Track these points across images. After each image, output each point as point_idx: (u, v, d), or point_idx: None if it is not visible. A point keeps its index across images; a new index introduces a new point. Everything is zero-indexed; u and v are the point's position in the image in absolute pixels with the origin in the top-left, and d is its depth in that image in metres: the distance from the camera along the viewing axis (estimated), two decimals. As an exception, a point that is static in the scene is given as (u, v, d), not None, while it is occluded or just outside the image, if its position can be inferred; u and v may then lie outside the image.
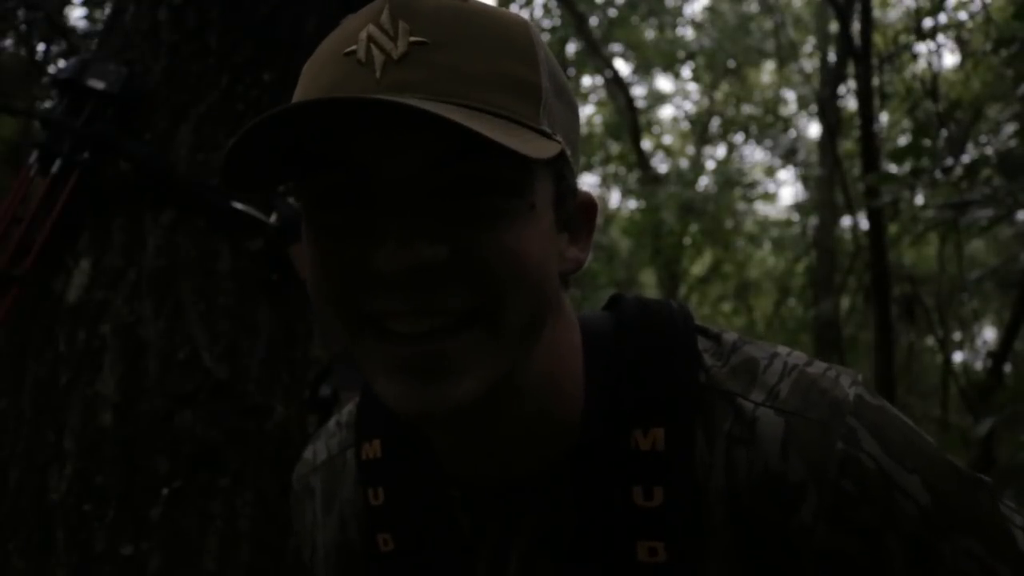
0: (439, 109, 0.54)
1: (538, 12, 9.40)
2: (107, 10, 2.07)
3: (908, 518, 0.64)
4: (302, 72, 0.66)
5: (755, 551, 0.66)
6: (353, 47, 0.61)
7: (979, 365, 8.49)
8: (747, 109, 11.88)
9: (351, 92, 0.59)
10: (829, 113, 7.93)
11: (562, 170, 0.65)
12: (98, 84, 1.68)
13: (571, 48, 9.70)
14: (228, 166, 0.62)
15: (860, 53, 5.46)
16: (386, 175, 0.59)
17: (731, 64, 11.05)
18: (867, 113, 5.44)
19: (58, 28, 4.29)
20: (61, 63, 4.36)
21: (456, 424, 0.68)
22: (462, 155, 0.58)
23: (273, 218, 1.72)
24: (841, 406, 0.65)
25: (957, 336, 9.04)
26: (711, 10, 11.18)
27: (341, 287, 0.61)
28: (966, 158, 3.74)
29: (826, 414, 0.65)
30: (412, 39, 0.59)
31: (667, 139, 12.91)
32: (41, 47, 4.45)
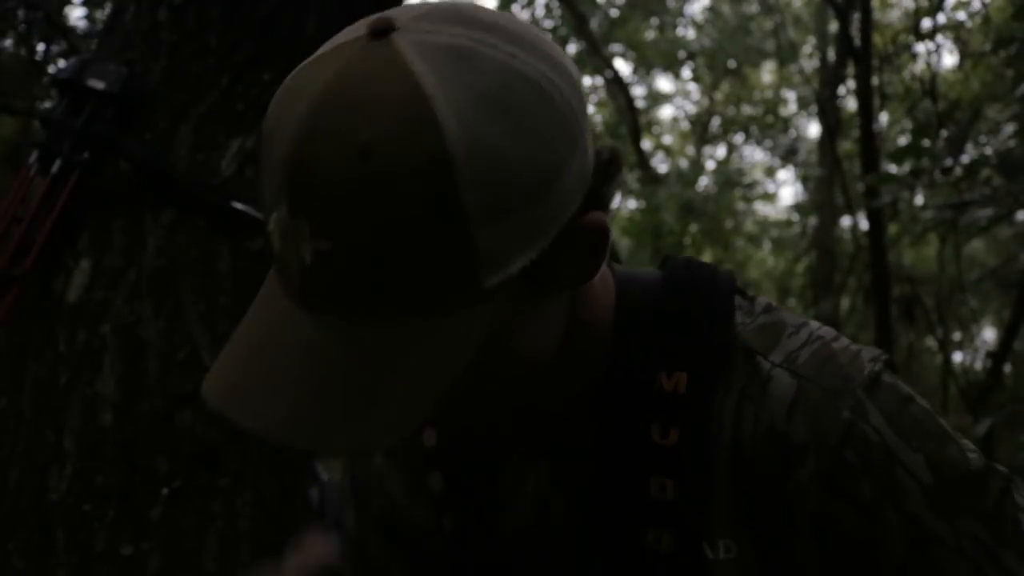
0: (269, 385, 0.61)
1: (539, 12, 9.41)
2: (107, 10, 2.07)
3: (909, 496, 0.65)
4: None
5: (751, 508, 0.68)
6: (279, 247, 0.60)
7: (979, 365, 8.50)
8: (747, 109, 11.88)
9: (289, 291, 0.61)
10: (829, 113, 7.93)
11: (524, 273, 0.58)
12: (98, 84, 1.68)
13: (572, 48, 9.70)
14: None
15: (860, 53, 5.46)
16: None
17: (731, 64, 11.05)
18: (867, 113, 5.45)
19: (58, 28, 4.29)
20: (61, 63, 4.36)
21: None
22: None
23: (273, 218, 1.72)
24: (854, 379, 0.67)
25: (957, 336, 9.04)
26: (711, 10, 11.18)
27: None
28: (966, 158, 3.74)
29: (838, 384, 0.66)
30: (315, 246, 0.55)
31: (667, 139, 12.92)
32: (41, 47, 4.45)
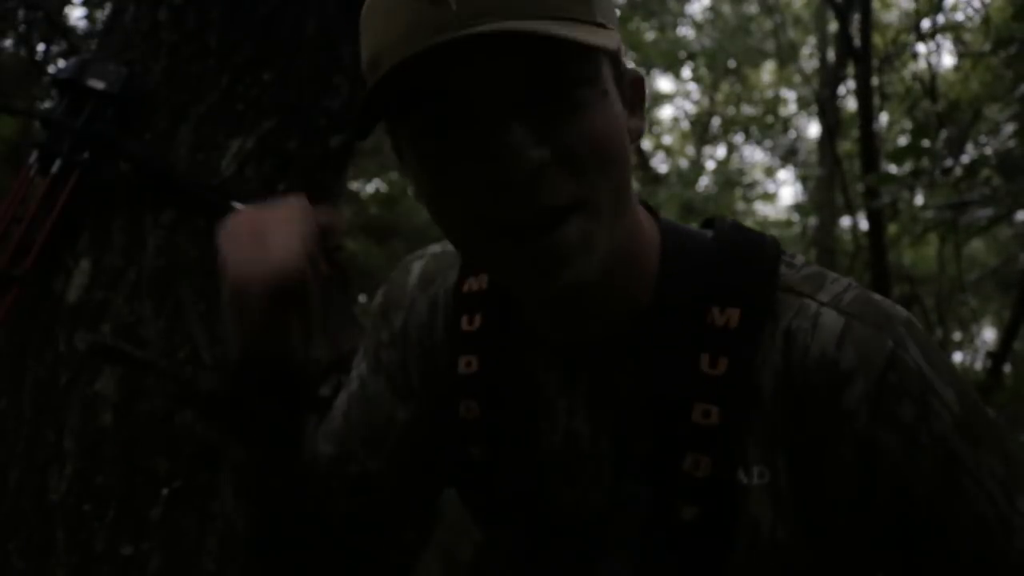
0: (522, 26, 0.62)
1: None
2: (107, 10, 2.07)
3: (941, 421, 0.71)
4: (364, 19, 0.71)
5: (794, 434, 0.73)
6: None
7: (979, 365, 8.49)
8: (747, 109, 11.88)
9: (433, 31, 0.64)
10: (829, 113, 7.93)
11: (616, 54, 0.72)
12: (98, 84, 1.68)
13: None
14: (364, 120, 0.69)
15: (860, 53, 5.46)
16: (484, 97, 0.66)
17: (731, 64, 11.05)
18: (867, 113, 5.45)
19: (58, 28, 4.29)
20: (61, 63, 4.36)
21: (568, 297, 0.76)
22: (546, 62, 0.65)
23: (273, 218, 1.72)
24: (896, 318, 0.74)
25: (957, 336, 9.03)
26: (711, 10, 11.18)
27: (467, 204, 0.68)
28: (965, 158, 3.74)
29: (882, 320, 0.73)
30: None
31: (667, 139, 12.91)
32: (41, 47, 4.45)
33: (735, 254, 0.78)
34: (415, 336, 0.91)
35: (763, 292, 0.76)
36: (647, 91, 0.79)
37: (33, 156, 1.71)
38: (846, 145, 8.64)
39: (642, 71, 0.79)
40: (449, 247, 0.90)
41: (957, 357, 8.49)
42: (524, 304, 0.81)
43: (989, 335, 10.22)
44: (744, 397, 0.74)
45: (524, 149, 0.65)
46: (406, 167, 0.75)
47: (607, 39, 0.67)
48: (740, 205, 11.61)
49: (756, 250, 0.79)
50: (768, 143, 11.67)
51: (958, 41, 6.23)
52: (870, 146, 5.40)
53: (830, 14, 7.71)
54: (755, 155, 12.47)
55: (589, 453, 0.78)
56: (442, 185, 0.69)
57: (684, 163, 12.18)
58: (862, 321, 0.73)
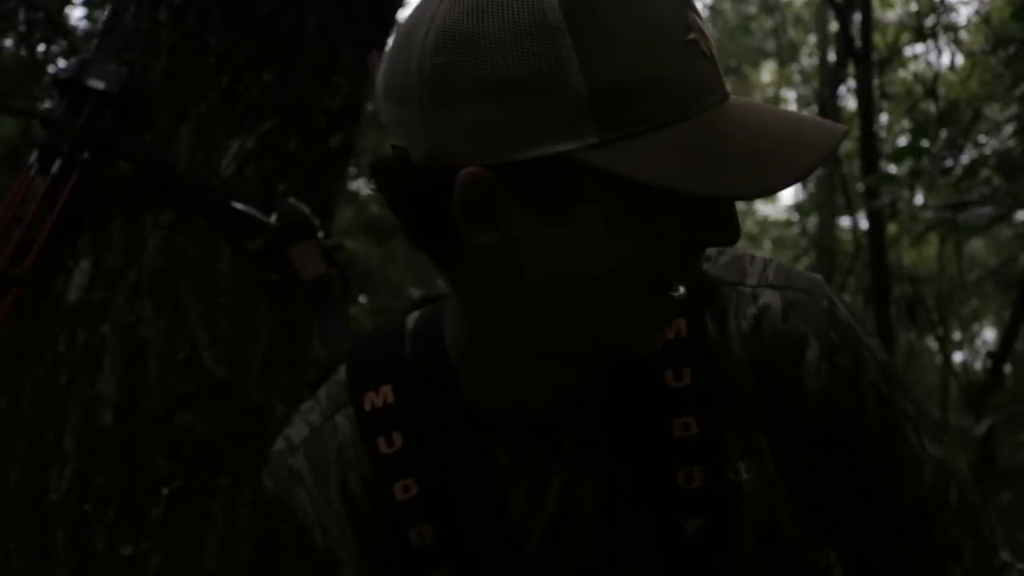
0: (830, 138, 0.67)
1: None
2: (107, 10, 2.07)
3: (872, 368, 0.76)
4: (587, 34, 0.60)
5: (772, 414, 0.75)
6: (692, 36, 0.64)
7: (979, 365, 8.50)
8: (747, 109, 11.85)
9: (716, 90, 0.65)
10: (829, 113, 7.92)
11: None
12: (98, 84, 1.68)
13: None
14: None
15: (860, 53, 5.46)
16: None
17: (732, 64, 11.05)
18: (867, 113, 5.45)
19: (58, 28, 4.30)
20: (61, 63, 4.36)
21: None
22: None
23: (273, 218, 1.72)
24: (817, 280, 0.78)
25: (957, 336, 9.04)
26: (712, 9, 11.18)
27: (667, 267, 0.68)
28: (965, 158, 3.74)
29: (809, 284, 0.77)
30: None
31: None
32: (41, 47, 4.45)
33: None
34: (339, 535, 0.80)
35: (695, 296, 0.75)
36: None
37: (33, 156, 1.71)
38: (846, 145, 8.64)
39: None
40: (311, 414, 0.81)
41: (957, 357, 8.50)
42: (484, 389, 0.75)
43: (989, 335, 10.23)
44: (716, 399, 0.75)
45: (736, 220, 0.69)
46: (524, 236, 0.65)
47: None
48: (740, 205, 11.59)
49: None
50: (768, 143, 11.65)
51: (957, 41, 6.23)
52: (870, 146, 5.40)
53: (830, 14, 7.72)
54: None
55: (583, 511, 0.75)
56: (656, 248, 0.66)
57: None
58: (795, 290, 0.77)
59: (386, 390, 0.78)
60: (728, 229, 0.69)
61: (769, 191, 0.64)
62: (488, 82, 0.61)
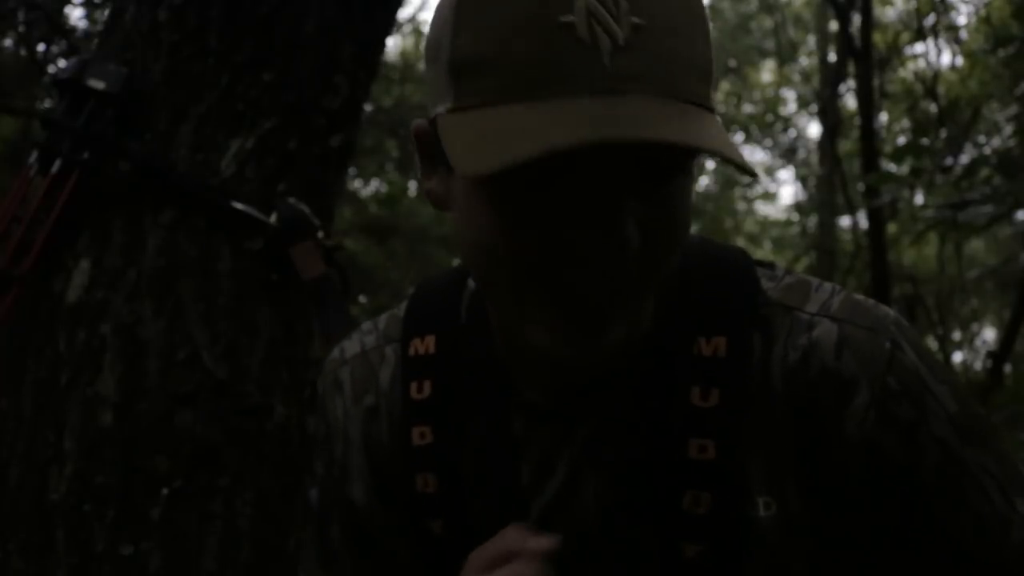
0: (670, 117, 0.58)
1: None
2: (107, 10, 2.07)
3: (939, 419, 0.70)
4: (465, 14, 0.61)
5: (804, 455, 0.71)
6: (570, 18, 0.58)
7: (979, 365, 8.50)
8: (747, 108, 11.88)
9: (580, 79, 0.58)
10: (829, 113, 7.93)
11: None
12: (98, 84, 1.68)
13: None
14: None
15: (860, 52, 5.46)
16: (604, 167, 0.60)
17: (731, 63, 11.05)
18: (867, 113, 5.45)
19: (58, 28, 4.30)
20: (61, 63, 4.36)
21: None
22: (679, 154, 0.61)
23: (273, 218, 1.72)
24: (886, 318, 0.72)
25: (957, 336, 9.04)
26: (711, 9, 11.18)
27: (538, 265, 0.63)
28: (965, 158, 3.74)
29: (874, 322, 0.72)
30: (633, 20, 0.59)
31: (667, 139, 12.88)
32: (41, 47, 4.45)
33: (710, 277, 0.75)
34: (358, 455, 0.84)
35: (746, 315, 0.73)
36: None
37: (33, 156, 1.71)
38: (846, 145, 8.64)
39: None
40: (368, 336, 0.85)
41: (957, 357, 8.49)
42: (512, 364, 0.76)
43: (989, 335, 10.23)
44: (741, 427, 0.71)
45: (631, 232, 0.61)
46: (436, 181, 0.69)
47: (727, 139, 0.62)
48: (740, 205, 11.62)
49: (730, 268, 0.76)
50: (768, 142, 11.68)
51: (957, 41, 6.23)
52: (870, 145, 5.40)
53: (830, 13, 7.71)
54: (755, 154, 12.47)
55: (583, 504, 0.75)
56: (517, 240, 0.63)
57: (684, 163, 12.14)
58: (855, 326, 0.71)
59: (430, 340, 0.80)
60: (601, 231, 0.61)
61: (480, 171, 0.58)
62: (428, 46, 0.66)
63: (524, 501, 0.76)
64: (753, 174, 0.61)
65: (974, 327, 8.99)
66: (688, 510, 0.71)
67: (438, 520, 0.78)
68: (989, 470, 0.71)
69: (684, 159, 0.63)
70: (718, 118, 0.64)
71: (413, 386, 0.80)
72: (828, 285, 0.75)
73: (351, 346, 0.86)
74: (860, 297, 0.75)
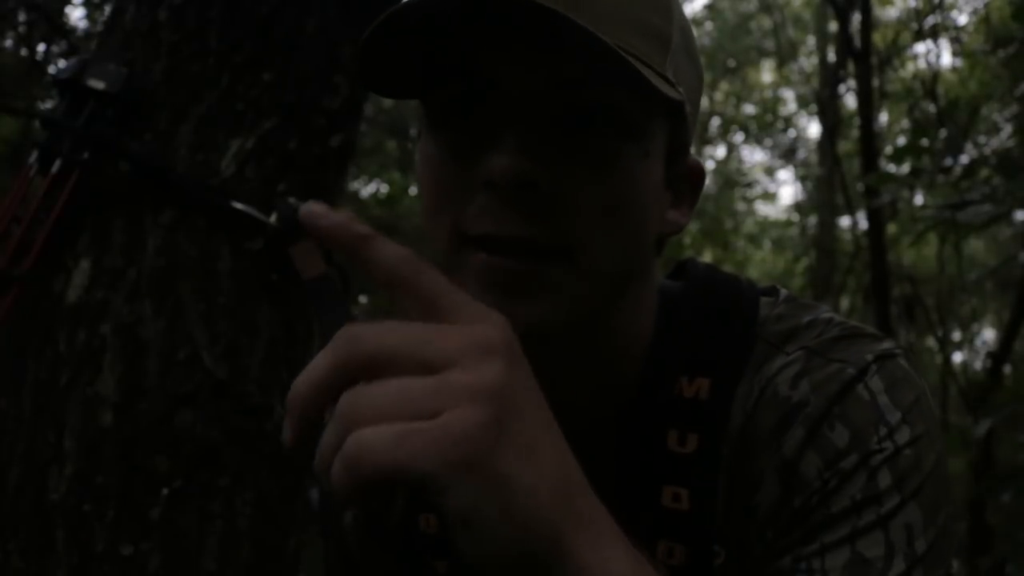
0: (587, 27, 0.53)
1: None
2: (107, 10, 2.07)
3: (878, 454, 0.62)
4: None
5: (752, 485, 0.65)
6: None
7: (979, 365, 8.50)
8: (747, 108, 11.88)
9: None
10: (829, 113, 7.93)
11: (678, 125, 0.64)
12: (98, 84, 1.68)
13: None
14: (365, 58, 0.61)
15: (860, 53, 5.46)
16: (510, 87, 0.58)
17: (731, 63, 11.05)
18: (867, 113, 5.45)
19: (58, 28, 4.30)
20: (61, 63, 4.36)
21: (534, 352, 0.69)
22: (588, 81, 0.57)
23: (273, 218, 1.72)
24: (868, 350, 0.65)
25: (957, 336, 9.04)
26: (711, 9, 11.18)
27: (450, 198, 0.60)
28: (964, 158, 3.74)
29: (850, 354, 0.65)
30: None
31: (667, 139, 12.88)
32: (41, 47, 4.45)
33: (703, 311, 0.70)
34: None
35: (735, 356, 0.67)
36: (703, 184, 0.70)
37: (33, 156, 1.71)
38: (846, 145, 8.65)
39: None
40: None
41: (957, 357, 8.49)
42: None
43: (989, 335, 10.23)
44: (714, 475, 0.66)
45: (539, 169, 0.57)
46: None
47: (670, 91, 0.58)
48: (740, 205, 11.62)
49: (726, 303, 0.70)
50: (768, 142, 11.68)
51: (957, 41, 6.23)
52: (870, 146, 5.40)
53: (830, 13, 7.72)
54: (755, 155, 12.48)
55: None
56: (438, 177, 0.61)
57: (684, 163, 12.14)
58: (825, 359, 0.65)
59: None
60: (507, 159, 0.56)
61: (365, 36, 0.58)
62: None
63: None
64: (680, 102, 0.58)
65: (974, 327, 8.99)
66: (662, 560, 0.67)
67: (443, 560, 0.76)
68: (911, 533, 0.61)
69: (612, 102, 0.58)
70: (659, 79, 0.59)
71: None
72: (824, 318, 0.69)
73: None
74: (858, 332, 0.67)
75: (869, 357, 0.65)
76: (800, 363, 0.65)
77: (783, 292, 0.73)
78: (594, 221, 0.60)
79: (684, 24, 0.65)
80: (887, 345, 0.67)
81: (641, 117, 0.60)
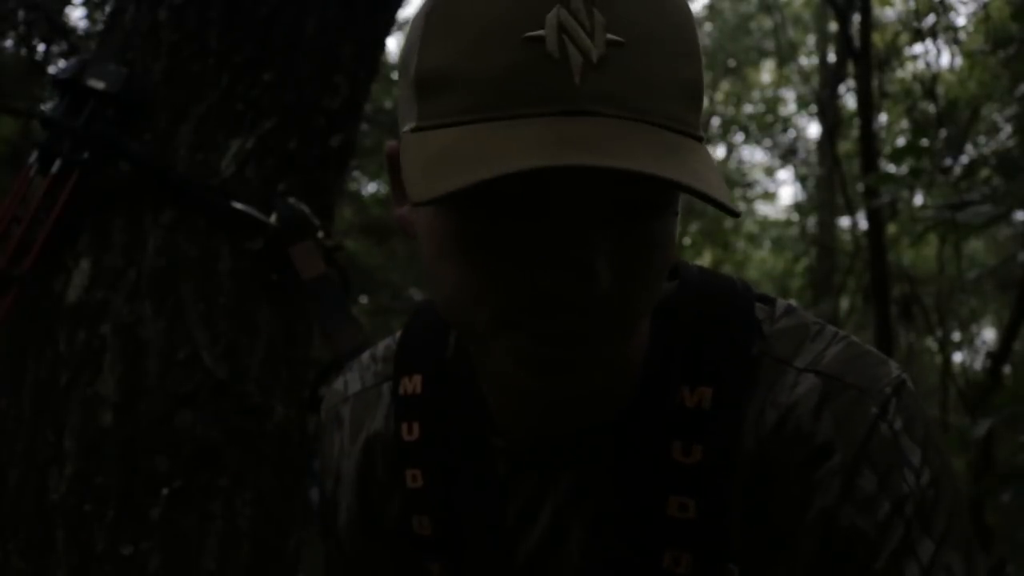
0: (644, 144, 0.52)
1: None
2: (107, 10, 2.07)
3: (906, 500, 0.63)
4: (434, 24, 0.57)
5: (761, 520, 0.66)
6: (540, 32, 0.53)
7: (979, 365, 8.50)
8: (747, 108, 11.89)
9: (548, 97, 0.53)
10: (829, 113, 7.93)
11: None
12: (98, 84, 1.68)
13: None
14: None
15: (860, 53, 5.46)
16: (575, 197, 0.55)
17: (731, 63, 11.05)
18: (867, 113, 5.44)
19: (58, 28, 4.29)
20: (61, 63, 4.36)
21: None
22: (655, 190, 0.56)
23: (273, 218, 1.72)
24: (883, 379, 0.65)
25: (957, 336, 9.04)
26: (711, 9, 11.19)
27: (496, 291, 0.58)
28: (964, 158, 3.75)
29: (867, 382, 0.65)
30: (609, 37, 0.54)
31: (667, 139, 12.89)
32: (41, 47, 4.45)
33: (702, 318, 0.70)
34: (351, 493, 0.83)
35: (737, 365, 0.67)
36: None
37: (33, 156, 1.71)
38: (846, 145, 8.65)
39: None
40: (368, 371, 0.83)
41: (957, 357, 8.50)
42: (494, 405, 0.73)
43: (989, 335, 10.23)
44: (724, 487, 0.66)
45: (601, 270, 0.55)
46: (408, 209, 0.66)
47: (713, 174, 0.56)
48: (740, 205, 11.61)
49: (725, 309, 0.70)
50: (768, 142, 11.68)
51: (956, 41, 6.24)
52: (870, 146, 5.40)
53: (830, 13, 7.72)
54: (755, 154, 12.49)
55: (568, 552, 0.72)
56: (480, 278, 0.58)
57: (684, 163, 12.15)
58: (843, 385, 0.65)
59: (417, 379, 0.78)
60: (569, 272, 0.55)
61: (424, 197, 0.52)
62: (400, 60, 0.63)
63: (510, 545, 0.73)
64: (736, 214, 0.55)
65: (974, 327, 8.99)
66: (668, 569, 0.67)
67: (436, 563, 0.76)
68: (951, 569, 0.62)
69: (661, 195, 0.57)
70: (705, 147, 0.59)
71: (404, 427, 0.78)
72: (829, 331, 0.69)
73: (354, 382, 0.84)
74: (862, 348, 0.68)
75: (888, 390, 0.65)
76: (818, 392, 0.65)
77: (781, 302, 0.72)
78: (645, 300, 0.60)
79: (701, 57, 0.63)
80: (896, 371, 0.67)
81: (677, 194, 0.59)
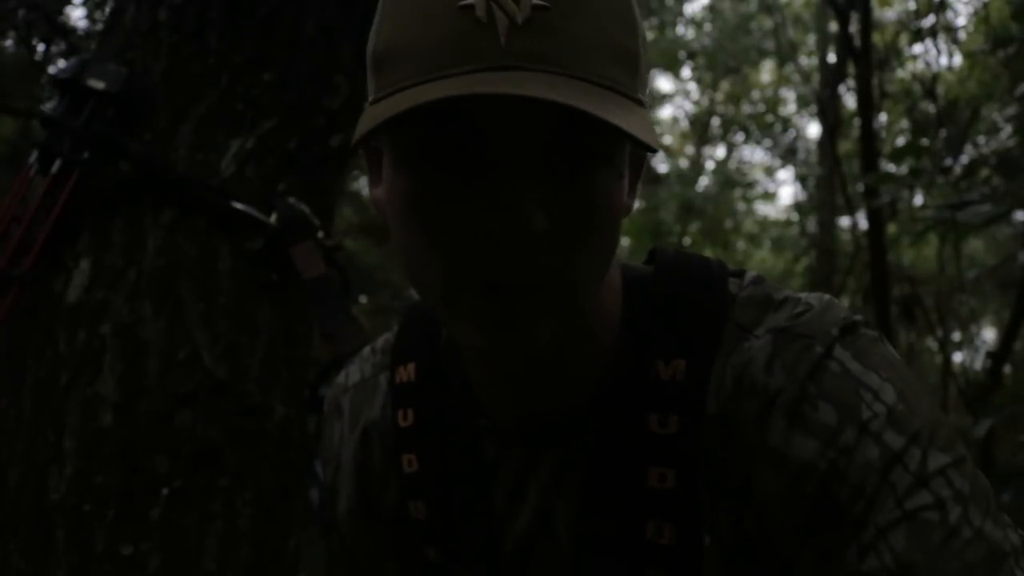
0: (568, 90, 0.55)
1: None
2: (107, 10, 2.07)
3: (875, 418, 0.63)
4: (386, 5, 0.64)
5: (734, 476, 0.67)
6: (471, 1, 0.58)
7: (979, 365, 8.50)
8: (747, 108, 11.89)
9: (475, 56, 0.57)
10: (829, 113, 7.93)
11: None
12: (98, 84, 1.68)
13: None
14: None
15: (860, 53, 5.46)
16: (505, 143, 0.59)
17: (731, 63, 11.06)
18: (867, 113, 5.45)
19: (58, 28, 4.29)
20: (61, 63, 4.36)
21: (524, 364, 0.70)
22: (578, 131, 0.59)
23: (273, 218, 1.72)
24: (833, 324, 0.67)
25: (957, 336, 9.04)
26: (711, 9, 11.19)
27: (441, 242, 0.61)
28: (964, 158, 3.75)
29: (815, 330, 0.67)
30: (534, 2, 0.57)
31: (667, 139, 12.92)
32: (41, 47, 4.45)
33: (675, 294, 0.72)
34: (351, 483, 0.86)
35: (708, 337, 0.69)
36: (646, 166, 0.73)
37: (33, 156, 1.71)
38: (846, 145, 8.65)
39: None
40: (367, 363, 0.86)
41: (957, 357, 8.49)
42: (478, 386, 0.75)
43: (989, 335, 10.23)
44: (700, 455, 0.68)
45: (532, 214, 0.58)
46: (381, 188, 0.69)
47: (650, 131, 0.59)
48: (740, 205, 11.62)
49: (698, 284, 0.72)
50: (768, 142, 11.69)
51: (956, 41, 6.24)
52: (870, 146, 5.40)
53: (830, 13, 7.72)
54: (755, 154, 12.49)
55: (555, 533, 0.74)
56: (428, 228, 0.62)
57: (684, 163, 12.19)
58: (792, 335, 0.67)
59: (411, 367, 0.81)
60: (502, 212, 0.58)
61: (361, 131, 0.58)
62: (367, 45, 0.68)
63: (500, 528, 0.75)
64: (654, 150, 0.57)
65: (973, 327, 8.99)
66: (652, 540, 0.68)
67: (432, 547, 0.79)
68: (946, 474, 0.62)
69: (589, 139, 0.59)
70: (643, 109, 0.61)
71: (400, 414, 0.80)
72: (792, 301, 0.70)
73: (354, 373, 0.87)
74: (825, 305, 0.69)
75: (834, 331, 0.66)
76: (770, 345, 0.67)
77: (749, 274, 0.74)
78: (586, 255, 0.62)
79: (642, 26, 0.65)
80: (846, 313, 0.68)
81: (616, 146, 0.62)
